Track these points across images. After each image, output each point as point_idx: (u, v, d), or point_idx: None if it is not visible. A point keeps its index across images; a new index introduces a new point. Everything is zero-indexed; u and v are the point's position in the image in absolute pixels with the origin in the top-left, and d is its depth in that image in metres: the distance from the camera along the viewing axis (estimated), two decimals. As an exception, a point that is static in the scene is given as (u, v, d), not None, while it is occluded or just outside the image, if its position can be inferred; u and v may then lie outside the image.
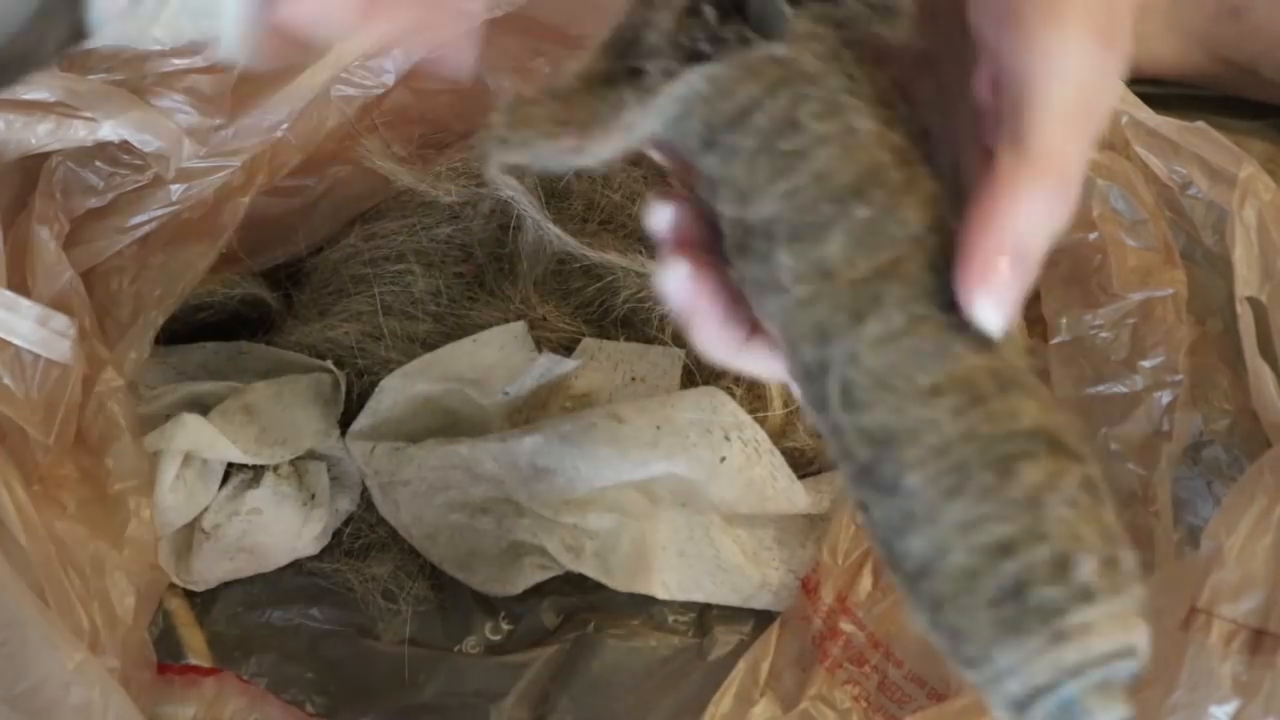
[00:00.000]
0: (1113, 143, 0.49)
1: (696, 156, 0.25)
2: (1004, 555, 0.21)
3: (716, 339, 0.26)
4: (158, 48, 0.41)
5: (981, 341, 0.23)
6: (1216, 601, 0.37)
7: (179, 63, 0.42)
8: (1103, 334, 0.46)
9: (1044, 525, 0.21)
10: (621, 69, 0.24)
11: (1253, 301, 0.41)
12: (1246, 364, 0.40)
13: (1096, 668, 0.21)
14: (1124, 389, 0.45)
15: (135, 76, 0.42)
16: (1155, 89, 0.58)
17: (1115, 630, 0.21)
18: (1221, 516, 0.38)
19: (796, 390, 0.25)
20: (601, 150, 0.24)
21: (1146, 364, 0.45)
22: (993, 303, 0.22)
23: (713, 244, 0.25)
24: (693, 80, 0.23)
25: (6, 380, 0.41)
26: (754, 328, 0.26)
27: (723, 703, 0.48)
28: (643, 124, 0.24)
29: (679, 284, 0.25)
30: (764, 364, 0.26)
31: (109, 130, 0.41)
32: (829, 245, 0.23)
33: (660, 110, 0.24)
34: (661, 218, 0.26)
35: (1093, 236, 0.47)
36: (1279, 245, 0.41)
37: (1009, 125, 0.23)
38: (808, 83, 0.23)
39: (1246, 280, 0.41)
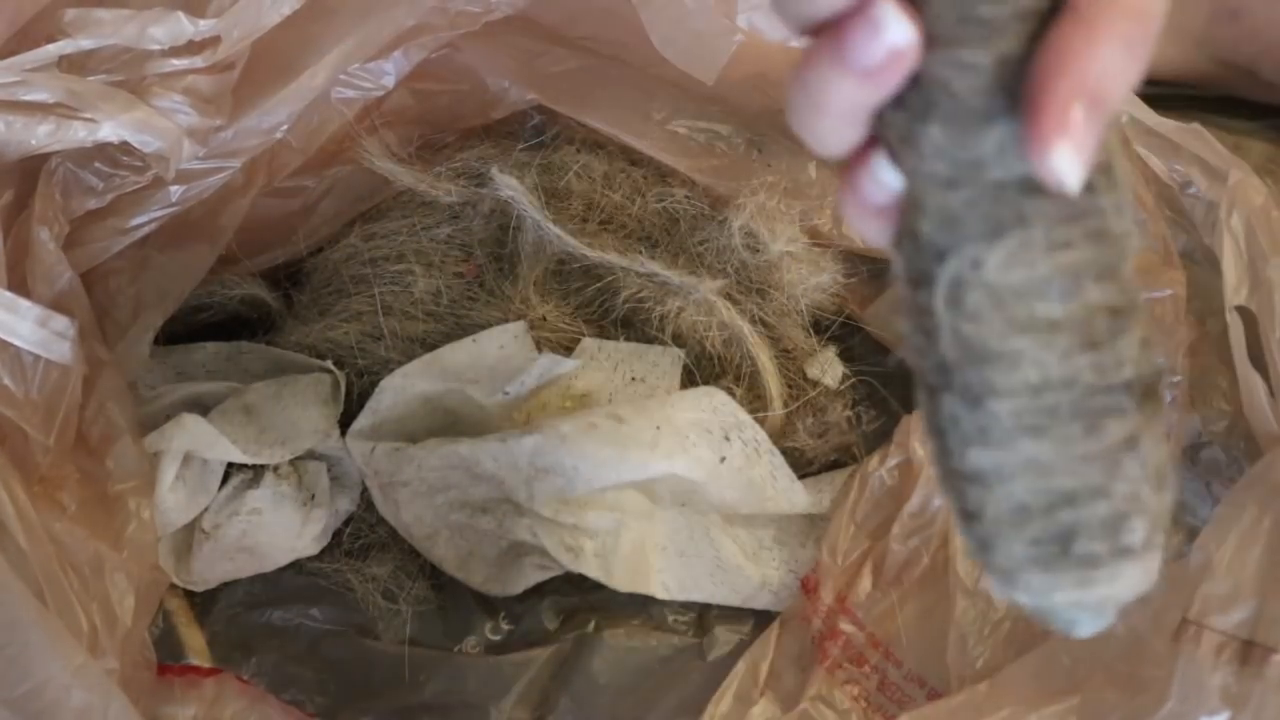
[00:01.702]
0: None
1: None
2: (1064, 505, 0.22)
3: (836, 129, 0.23)
4: (156, 47, 0.41)
5: (1109, 270, 0.22)
6: (1206, 612, 0.37)
7: (178, 63, 0.42)
8: (1102, 335, 0.46)
9: (1111, 485, 0.22)
10: None
11: (1242, 310, 0.41)
12: (1238, 374, 0.40)
13: (1109, 605, 0.22)
14: (1122, 390, 0.45)
15: (135, 77, 0.42)
16: (1155, 89, 0.58)
17: (1139, 582, 0.22)
18: (1213, 527, 0.39)
19: (893, 250, 0.23)
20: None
21: (1145, 365, 0.45)
22: (1070, 150, 0.21)
23: None
24: None
25: (6, 381, 0.41)
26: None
27: (722, 703, 0.48)
28: None
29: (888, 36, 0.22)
30: (870, 189, 0.24)
31: (109, 131, 0.41)
32: (989, 135, 0.21)
33: None
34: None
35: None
36: (1267, 252, 0.40)
37: None
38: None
39: (1235, 289, 0.41)
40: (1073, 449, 0.22)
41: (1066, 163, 0.21)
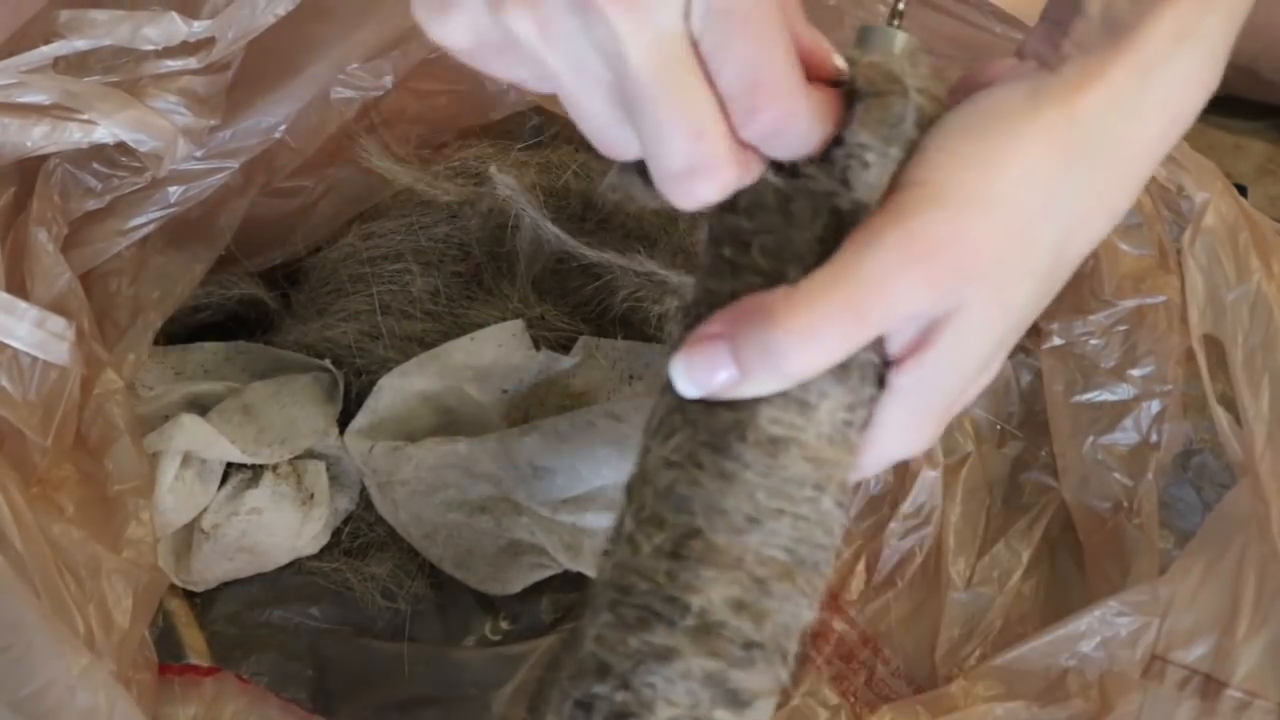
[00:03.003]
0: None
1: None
2: None
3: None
4: (151, 48, 0.41)
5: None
6: (1171, 647, 0.38)
7: (173, 64, 0.42)
8: (1093, 341, 0.46)
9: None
10: None
11: (1209, 339, 0.41)
12: (1209, 407, 0.40)
13: None
14: (1113, 397, 0.46)
15: (130, 78, 0.41)
16: (1153, 90, 0.58)
17: None
18: (1182, 562, 0.39)
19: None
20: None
21: (1137, 373, 0.45)
22: (684, 368, 0.25)
23: None
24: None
25: (4, 383, 0.41)
26: None
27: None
28: None
29: None
30: None
31: (105, 131, 0.41)
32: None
33: None
34: None
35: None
36: (1230, 280, 0.40)
37: (899, 202, 0.26)
38: (784, 219, 0.26)
39: (1201, 318, 0.41)
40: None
41: (679, 375, 0.26)
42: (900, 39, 0.27)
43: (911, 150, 0.26)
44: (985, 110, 0.26)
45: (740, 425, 0.25)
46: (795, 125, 0.25)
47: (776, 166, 0.26)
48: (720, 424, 0.26)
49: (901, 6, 0.28)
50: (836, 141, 0.26)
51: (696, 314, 0.27)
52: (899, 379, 0.27)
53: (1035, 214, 0.26)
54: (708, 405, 0.26)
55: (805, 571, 0.26)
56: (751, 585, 0.25)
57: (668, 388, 0.26)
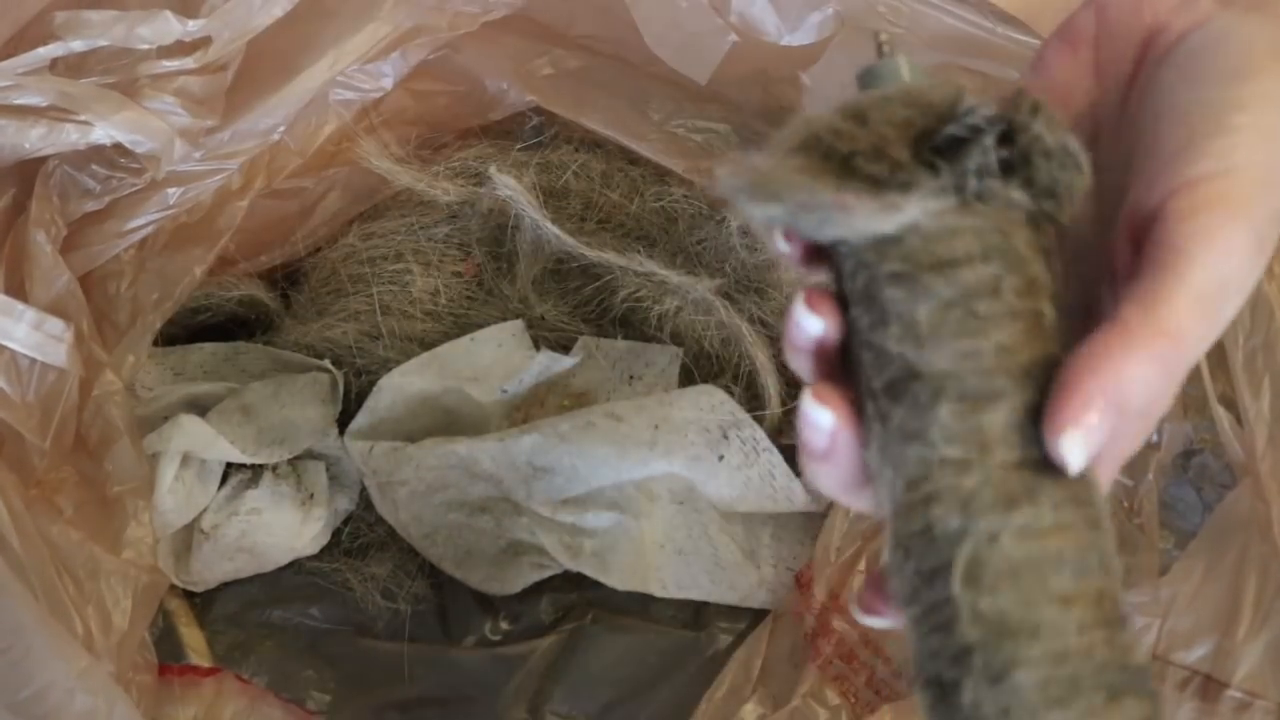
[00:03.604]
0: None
1: (873, 283, 0.24)
2: None
3: (841, 482, 0.25)
4: (145, 47, 0.41)
5: (1107, 563, 0.23)
6: (1172, 649, 0.38)
7: (170, 64, 0.42)
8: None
9: None
10: (859, 160, 0.24)
11: None
12: (1210, 407, 0.40)
13: None
14: (1114, 397, 0.46)
15: (127, 79, 0.41)
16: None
17: None
18: (1183, 563, 0.39)
19: (890, 545, 0.24)
20: (855, 222, 0.23)
21: (1137, 372, 0.45)
22: (1079, 440, 0.23)
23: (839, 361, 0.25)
24: (918, 213, 0.23)
25: (3, 384, 0.41)
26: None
27: (715, 699, 0.48)
28: (886, 218, 0.23)
29: (820, 429, 0.25)
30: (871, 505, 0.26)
31: (101, 133, 0.41)
32: (995, 416, 0.23)
33: (899, 216, 0.23)
34: (811, 327, 0.25)
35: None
36: None
37: (1146, 286, 0.23)
38: (1017, 259, 0.24)
39: None
40: (1098, 717, 0.22)
41: (1076, 449, 0.23)
42: (904, 64, 0.26)
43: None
44: (1218, 67, 0.24)
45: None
46: None
47: (962, 204, 0.23)
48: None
49: (884, 38, 0.26)
50: (1007, 165, 0.23)
51: (935, 387, 0.23)
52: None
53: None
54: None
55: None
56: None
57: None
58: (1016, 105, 0.24)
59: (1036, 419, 0.23)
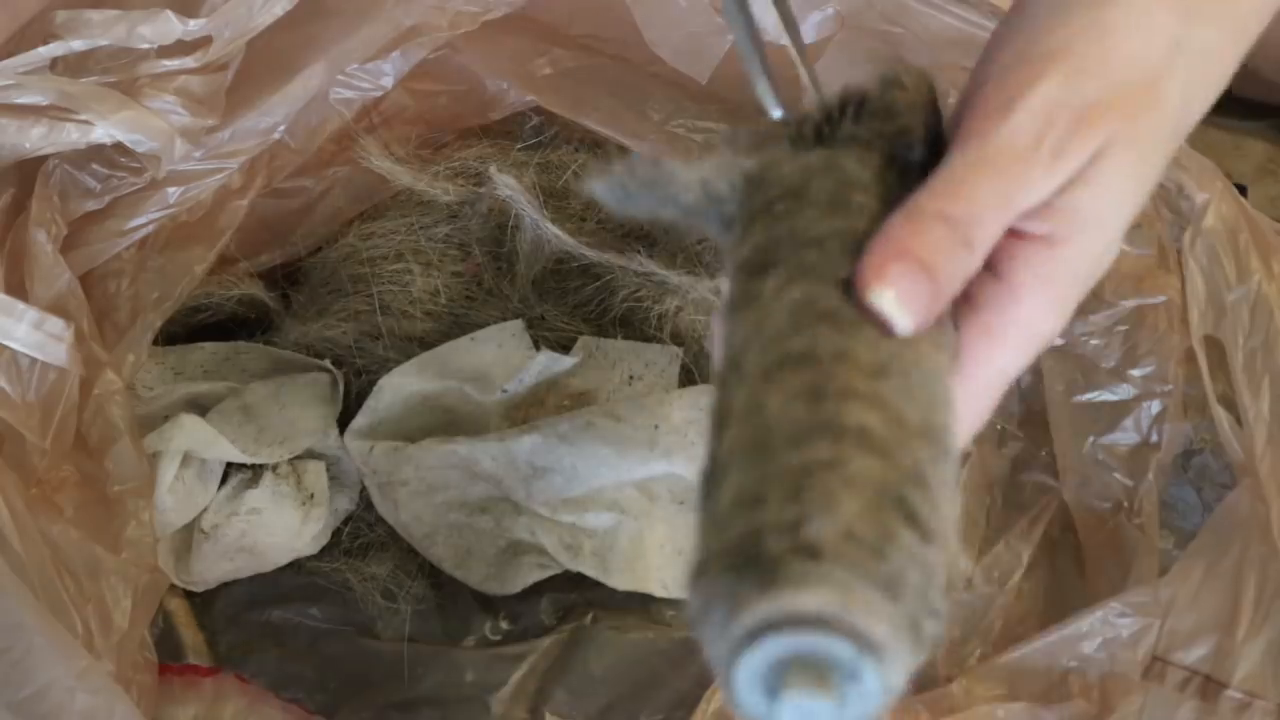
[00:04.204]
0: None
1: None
2: (753, 507, 0.21)
3: None
4: (145, 46, 0.41)
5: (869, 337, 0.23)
6: (1172, 649, 0.38)
7: (170, 64, 0.42)
8: (1093, 341, 0.46)
9: (804, 491, 0.21)
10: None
11: (1209, 340, 0.41)
12: (1210, 407, 0.40)
13: (802, 630, 0.19)
14: (1113, 397, 0.46)
15: (128, 78, 0.42)
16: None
17: (829, 594, 0.19)
18: (1183, 564, 0.39)
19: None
20: (676, 189, 0.26)
21: (1137, 373, 0.45)
22: (892, 295, 0.23)
23: None
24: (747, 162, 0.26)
25: (3, 384, 0.41)
26: None
27: (715, 699, 0.48)
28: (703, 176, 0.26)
29: None
30: None
31: (101, 132, 0.41)
32: (770, 278, 0.24)
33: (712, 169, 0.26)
34: None
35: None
36: (1230, 281, 0.40)
37: (976, 120, 0.25)
38: (831, 170, 0.25)
39: (1201, 319, 0.41)
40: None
41: (888, 303, 0.23)
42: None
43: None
44: None
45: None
46: None
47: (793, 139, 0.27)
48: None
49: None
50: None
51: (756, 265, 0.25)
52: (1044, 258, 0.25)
53: (1161, 72, 0.25)
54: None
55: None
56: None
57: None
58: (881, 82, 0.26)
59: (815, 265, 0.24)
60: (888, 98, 0.26)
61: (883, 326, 0.23)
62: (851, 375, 0.23)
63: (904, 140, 0.26)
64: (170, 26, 0.40)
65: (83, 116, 0.40)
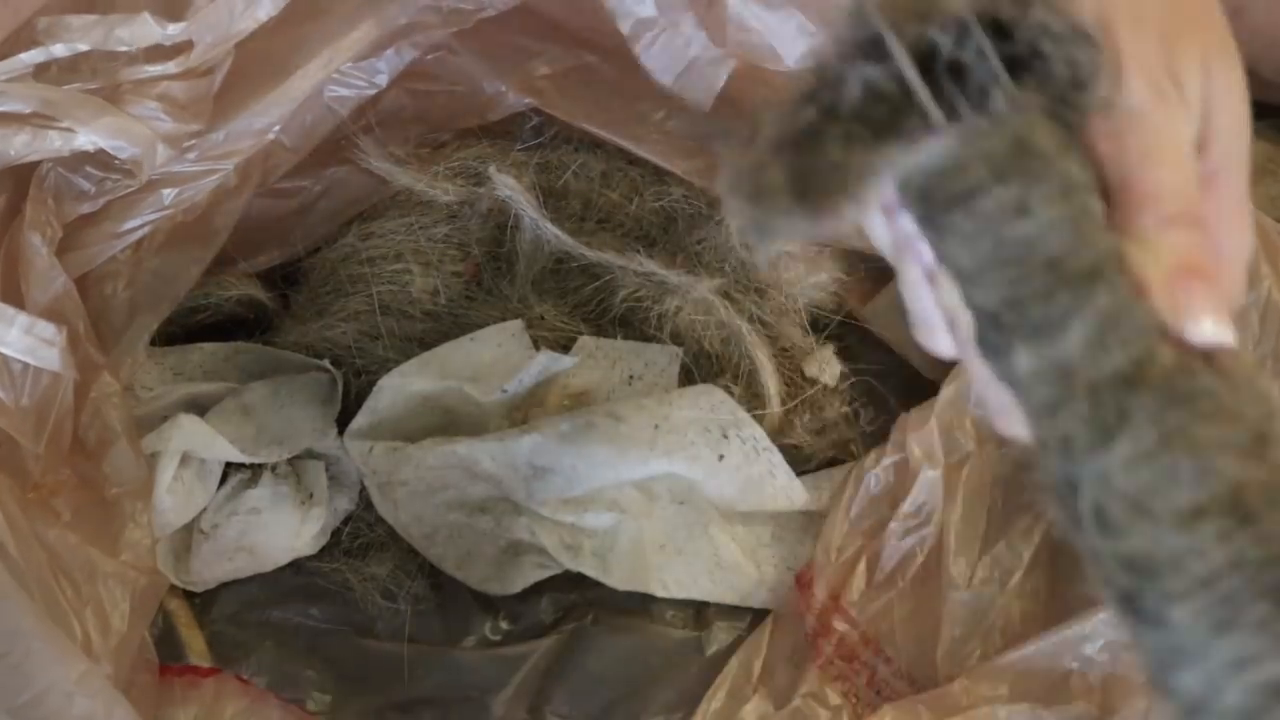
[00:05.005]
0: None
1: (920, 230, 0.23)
2: None
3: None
4: (124, 49, 0.41)
5: (1243, 446, 0.21)
6: None
7: (152, 69, 0.41)
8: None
9: None
10: (834, 127, 0.22)
11: None
12: None
13: None
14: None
15: (110, 84, 0.41)
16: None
17: None
18: None
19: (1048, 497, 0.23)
20: (860, 211, 0.22)
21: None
22: (1204, 315, 0.22)
23: None
24: (923, 157, 0.22)
25: (-4, 389, 0.41)
26: None
27: (715, 699, 0.48)
28: (880, 194, 0.22)
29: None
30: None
31: (84, 139, 0.41)
32: (1069, 339, 0.21)
33: (906, 171, 0.22)
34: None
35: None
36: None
37: (1114, 170, 0.23)
38: (1041, 166, 0.22)
39: None
40: (1268, 630, 0.20)
41: (1208, 325, 0.22)
42: None
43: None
44: None
45: (1180, 359, 0.21)
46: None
47: (964, 132, 0.21)
48: (1156, 377, 0.21)
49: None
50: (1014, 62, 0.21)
51: (1018, 317, 0.22)
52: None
53: None
54: (1123, 378, 0.21)
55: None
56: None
57: (1057, 408, 0.21)
58: None
59: (1116, 319, 0.21)
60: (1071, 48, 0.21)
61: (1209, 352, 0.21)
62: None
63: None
64: (148, 30, 0.40)
65: (64, 123, 0.40)
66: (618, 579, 0.50)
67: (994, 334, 0.22)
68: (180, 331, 0.53)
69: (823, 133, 0.21)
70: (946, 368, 0.50)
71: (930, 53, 0.21)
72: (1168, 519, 0.21)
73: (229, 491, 0.50)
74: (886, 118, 0.21)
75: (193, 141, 0.43)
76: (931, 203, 0.22)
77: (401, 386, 0.51)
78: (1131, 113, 0.23)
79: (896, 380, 0.55)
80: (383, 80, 0.47)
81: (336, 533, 0.52)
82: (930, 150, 0.21)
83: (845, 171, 0.21)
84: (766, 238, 0.22)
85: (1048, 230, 0.21)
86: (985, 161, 0.22)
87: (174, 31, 0.40)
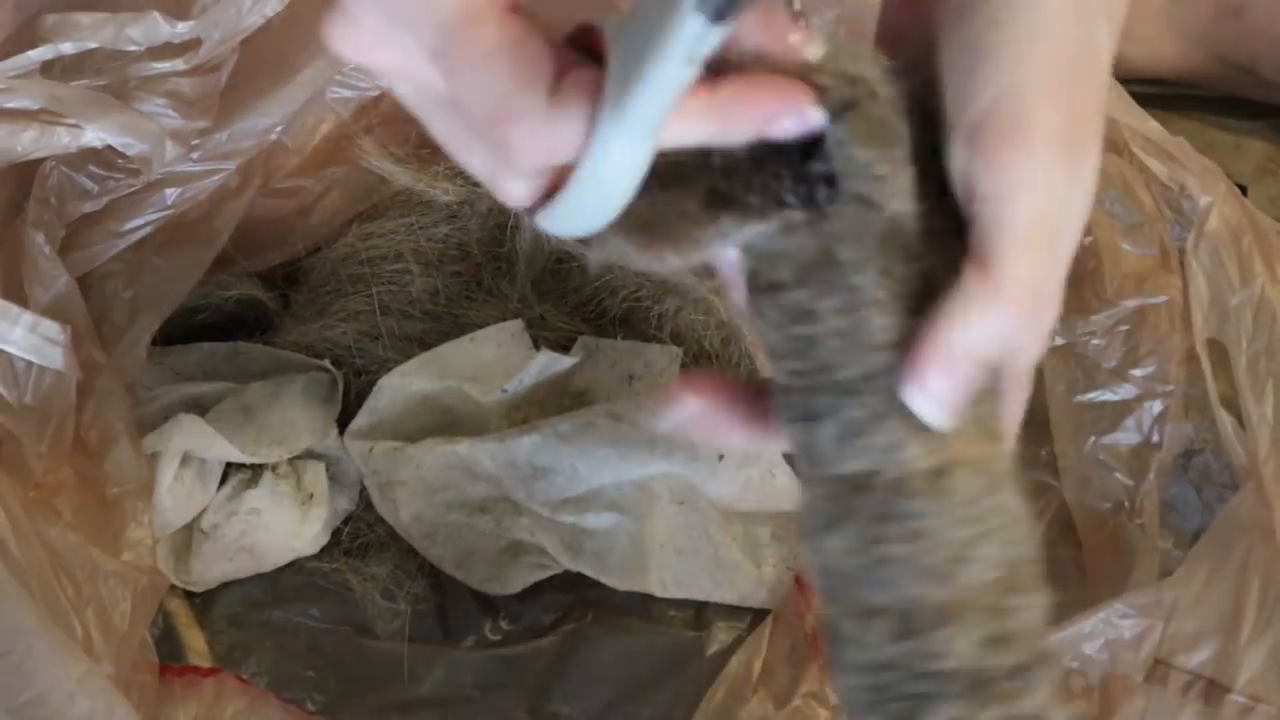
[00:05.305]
0: (1114, 143, 0.49)
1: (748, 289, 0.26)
2: None
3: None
4: (134, 48, 0.41)
5: (932, 568, 0.24)
6: (1174, 652, 0.38)
7: (160, 66, 0.42)
8: (1095, 340, 0.46)
9: None
10: (704, 181, 0.24)
11: (1212, 343, 0.41)
12: (1212, 410, 0.40)
13: None
14: (1115, 397, 0.46)
15: (118, 81, 0.41)
16: (1155, 89, 0.58)
17: None
18: (1186, 567, 0.39)
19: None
20: (686, 263, 0.25)
21: (1138, 373, 0.45)
22: (928, 399, 0.24)
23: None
24: (754, 237, 0.24)
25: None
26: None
27: (715, 699, 0.48)
28: (722, 249, 0.25)
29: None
30: None
31: (92, 136, 0.41)
32: (822, 434, 0.24)
33: (739, 243, 0.24)
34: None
35: (1087, 240, 0.47)
36: (1234, 284, 0.40)
37: (976, 242, 0.24)
38: (838, 273, 0.24)
39: (1205, 322, 0.41)
40: None
41: (927, 405, 0.24)
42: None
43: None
44: None
45: (900, 480, 0.24)
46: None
47: (787, 225, 0.24)
48: (877, 489, 0.24)
49: (798, 6, 0.25)
50: (827, 179, 0.24)
51: (798, 400, 0.25)
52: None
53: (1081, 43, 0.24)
54: (852, 482, 0.24)
55: (1024, 567, 0.25)
56: (989, 617, 0.24)
57: (812, 483, 0.25)
58: (830, 107, 0.23)
59: (859, 431, 0.24)
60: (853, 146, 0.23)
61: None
62: None
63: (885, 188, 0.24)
64: (158, 28, 0.40)
65: (72, 120, 0.40)
66: (617, 579, 0.50)
67: (782, 396, 0.25)
68: (181, 332, 0.53)
69: (689, 180, 0.24)
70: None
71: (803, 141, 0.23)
72: (851, 608, 0.24)
73: (229, 491, 0.50)
74: (739, 189, 0.24)
75: (199, 140, 0.43)
76: (753, 279, 0.25)
77: (401, 386, 0.51)
78: (1018, 184, 0.23)
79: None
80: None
81: (336, 533, 0.52)
82: (760, 233, 0.24)
83: (691, 223, 0.24)
84: (594, 250, 0.25)
85: (826, 338, 0.24)
86: (792, 262, 0.24)
87: (183, 30, 0.40)
